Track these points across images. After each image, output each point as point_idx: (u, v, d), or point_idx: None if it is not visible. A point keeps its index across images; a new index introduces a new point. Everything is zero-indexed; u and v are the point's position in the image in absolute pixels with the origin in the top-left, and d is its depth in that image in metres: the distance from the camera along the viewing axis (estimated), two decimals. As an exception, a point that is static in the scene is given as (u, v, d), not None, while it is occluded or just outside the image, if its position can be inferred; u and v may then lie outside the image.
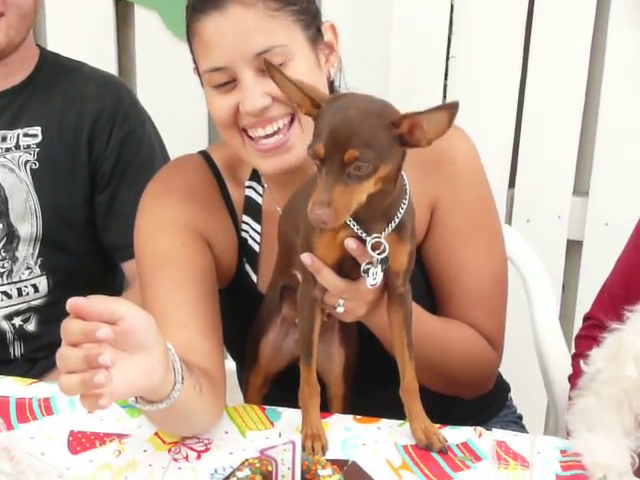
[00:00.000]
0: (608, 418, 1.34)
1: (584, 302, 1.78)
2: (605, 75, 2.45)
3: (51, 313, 1.87)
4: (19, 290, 1.85)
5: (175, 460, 1.31)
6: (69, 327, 1.09)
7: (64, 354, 1.09)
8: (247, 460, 1.02)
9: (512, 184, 2.58)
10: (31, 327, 1.87)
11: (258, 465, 1.00)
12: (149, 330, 1.15)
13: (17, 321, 1.86)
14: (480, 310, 1.59)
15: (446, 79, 2.49)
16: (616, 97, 2.48)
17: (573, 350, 1.74)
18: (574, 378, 1.63)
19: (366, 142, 1.16)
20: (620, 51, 2.42)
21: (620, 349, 1.31)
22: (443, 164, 1.54)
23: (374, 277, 1.26)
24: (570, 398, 1.57)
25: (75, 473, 1.26)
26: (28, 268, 1.84)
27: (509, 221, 2.57)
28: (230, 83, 1.42)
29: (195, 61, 1.48)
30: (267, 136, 1.43)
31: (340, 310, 1.33)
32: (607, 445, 1.31)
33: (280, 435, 0.97)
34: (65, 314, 1.89)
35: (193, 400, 1.28)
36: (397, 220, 1.25)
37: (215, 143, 1.64)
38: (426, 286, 1.60)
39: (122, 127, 1.85)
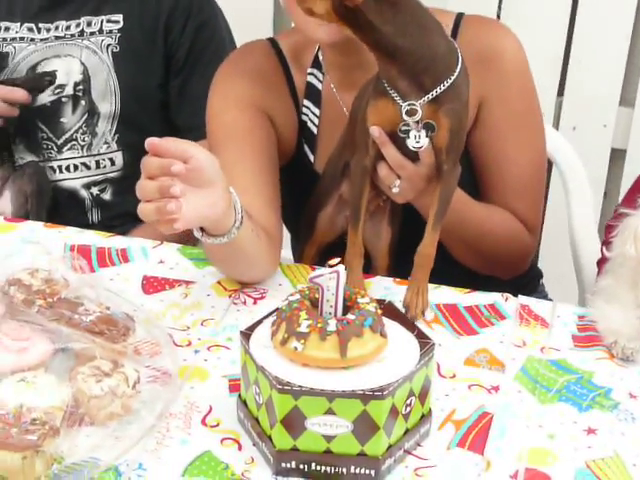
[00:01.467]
0: (623, 293, 1.48)
1: (625, 208, 1.91)
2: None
3: (125, 185, 2.05)
4: (97, 162, 2.03)
5: (234, 304, 1.49)
6: (148, 162, 1.26)
7: (143, 185, 1.26)
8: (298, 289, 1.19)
9: (561, 92, 2.69)
10: (107, 197, 2.06)
11: (307, 292, 1.17)
12: (214, 169, 1.32)
13: (95, 190, 2.05)
14: (519, 198, 1.71)
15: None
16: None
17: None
18: (601, 264, 1.77)
19: None
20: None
21: (625, 230, 1.45)
22: (491, 61, 1.65)
23: (417, 140, 1.39)
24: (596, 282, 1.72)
25: (148, 308, 1.44)
26: (106, 143, 2.02)
27: (556, 128, 2.68)
28: None
29: None
30: None
31: (395, 190, 1.47)
32: (619, 315, 1.44)
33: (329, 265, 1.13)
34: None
35: (251, 241, 1.45)
36: (435, 94, 1.37)
37: (283, 31, 1.77)
38: (471, 176, 1.73)
39: (197, 17, 2.00)
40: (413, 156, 1.44)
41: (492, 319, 1.48)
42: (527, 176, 1.72)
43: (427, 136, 1.39)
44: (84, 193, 2.04)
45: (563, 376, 1.35)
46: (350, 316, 1.13)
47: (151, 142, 1.26)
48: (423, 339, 1.20)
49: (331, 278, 1.13)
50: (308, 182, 1.70)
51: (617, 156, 2.75)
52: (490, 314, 1.49)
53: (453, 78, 1.39)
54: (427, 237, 1.46)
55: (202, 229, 1.39)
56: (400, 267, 1.65)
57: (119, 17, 1.99)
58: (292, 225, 1.82)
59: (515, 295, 1.57)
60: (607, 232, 1.83)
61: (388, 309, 1.23)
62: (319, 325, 1.11)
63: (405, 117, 1.38)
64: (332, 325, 1.11)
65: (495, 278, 1.75)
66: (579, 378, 1.35)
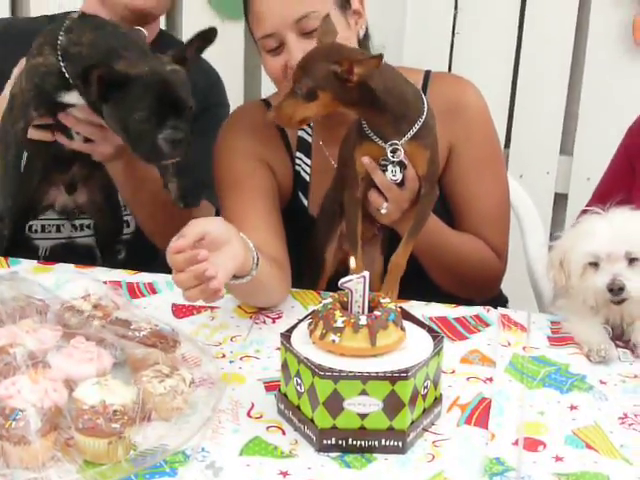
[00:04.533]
0: (579, 308, 1.71)
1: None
2: (588, 50, 2.88)
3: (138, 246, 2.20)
4: None
5: (256, 323, 1.71)
6: (176, 260, 1.45)
7: (180, 279, 1.46)
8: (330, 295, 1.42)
9: (507, 144, 2.99)
10: (120, 257, 2.19)
11: (337, 297, 1.40)
12: (226, 230, 1.53)
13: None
14: (488, 228, 1.96)
15: (451, 52, 2.91)
16: (596, 72, 2.90)
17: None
18: None
19: (308, 70, 1.61)
20: (602, 29, 2.84)
21: (548, 263, 1.73)
22: (457, 112, 1.92)
23: (393, 174, 1.67)
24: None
25: (181, 329, 1.64)
26: (123, 205, 2.14)
27: (505, 176, 2.97)
28: (279, 47, 1.81)
29: (251, 32, 1.88)
30: None
31: (383, 212, 1.72)
32: (585, 326, 1.69)
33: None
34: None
35: (268, 273, 1.67)
36: (412, 132, 1.65)
37: (273, 93, 2.02)
38: (445, 210, 1.99)
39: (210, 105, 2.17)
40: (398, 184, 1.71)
41: (478, 327, 1.72)
42: (494, 209, 1.99)
43: (400, 172, 1.67)
44: (97, 252, 2.18)
45: (544, 368, 1.59)
46: (377, 312, 1.36)
47: (174, 248, 1.45)
48: (434, 333, 1.43)
49: (359, 282, 1.36)
50: (303, 224, 1.94)
51: (560, 200, 3.05)
52: (476, 323, 1.73)
53: (423, 118, 1.67)
54: (400, 248, 1.73)
55: None
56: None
57: None
58: (292, 263, 2.03)
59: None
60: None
61: (401, 311, 1.46)
62: (352, 320, 1.34)
63: (390, 155, 1.65)
64: (363, 320, 1.34)
65: (469, 302, 1.99)
66: (557, 369, 1.59)
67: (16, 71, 1.84)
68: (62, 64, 1.71)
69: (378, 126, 1.67)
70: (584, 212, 1.99)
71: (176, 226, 1.51)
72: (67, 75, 1.71)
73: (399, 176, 1.68)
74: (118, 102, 1.66)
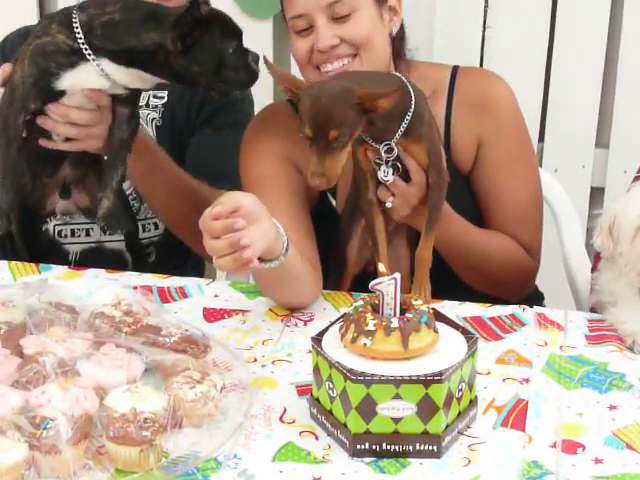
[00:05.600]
0: (625, 290, 1.66)
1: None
2: (622, 41, 2.82)
3: (168, 247, 2.18)
4: (143, 226, 2.15)
5: (287, 327, 1.69)
6: (213, 226, 1.48)
7: (213, 245, 1.48)
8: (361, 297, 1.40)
9: (542, 138, 2.95)
10: (151, 260, 2.18)
11: (368, 299, 1.38)
12: (258, 207, 1.55)
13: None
14: (519, 225, 1.93)
15: (483, 46, 2.87)
16: (631, 62, 2.84)
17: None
18: (593, 271, 1.97)
19: (341, 122, 1.56)
20: (636, 19, 2.79)
21: (597, 228, 1.68)
22: (486, 106, 1.90)
23: (385, 174, 1.67)
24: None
25: (212, 334, 1.62)
26: None
27: (539, 171, 2.93)
28: (308, 29, 1.79)
29: (283, 14, 1.86)
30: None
31: (388, 205, 1.71)
32: (630, 315, 1.64)
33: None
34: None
35: (297, 264, 1.66)
36: (401, 130, 1.64)
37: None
38: (475, 208, 1.96)
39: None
40: (406, 178, 1.69)
41: (514, 326, 1.69)
42: (525, 205, 1.95)
43: (393, 173, 1.66)
44: (127, 256, 2.16)
45: (582, 367, 1.56)
46: (408, 315, 1.34)
47: (213, 214, 1.48)
48: (468, 334, 1.41)
49: (389, 284, 1.33)
50: (332, 225, 1.92)
51: (596, 194, 3.00)
52: (512, 322, 1.70)
53: (412, 111, 1.65)
54: (421, 243, 1.71)
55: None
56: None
57: (164, 93, 2.16)
58: (322, 264, 2.02)
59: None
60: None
61: (434, 312, 1.44)
62: (384, 323, 1.32)
63: (384, 155, 1.65)
64: (395, 322, 1.32)
65: (504, 301, 1.96)
66: (596, 368, 1.56)
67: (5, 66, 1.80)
68: (80, 37, 1.69)
69: (371, 132, 1.66)
70: (636, 179, 1.94)
71: (197, 218, 1.51)
72: (86, 49, 1.70)
73: (391, 177, 1.68)
74: (203, 45, 1.71)
